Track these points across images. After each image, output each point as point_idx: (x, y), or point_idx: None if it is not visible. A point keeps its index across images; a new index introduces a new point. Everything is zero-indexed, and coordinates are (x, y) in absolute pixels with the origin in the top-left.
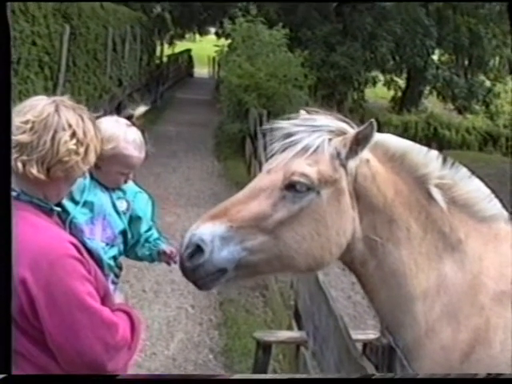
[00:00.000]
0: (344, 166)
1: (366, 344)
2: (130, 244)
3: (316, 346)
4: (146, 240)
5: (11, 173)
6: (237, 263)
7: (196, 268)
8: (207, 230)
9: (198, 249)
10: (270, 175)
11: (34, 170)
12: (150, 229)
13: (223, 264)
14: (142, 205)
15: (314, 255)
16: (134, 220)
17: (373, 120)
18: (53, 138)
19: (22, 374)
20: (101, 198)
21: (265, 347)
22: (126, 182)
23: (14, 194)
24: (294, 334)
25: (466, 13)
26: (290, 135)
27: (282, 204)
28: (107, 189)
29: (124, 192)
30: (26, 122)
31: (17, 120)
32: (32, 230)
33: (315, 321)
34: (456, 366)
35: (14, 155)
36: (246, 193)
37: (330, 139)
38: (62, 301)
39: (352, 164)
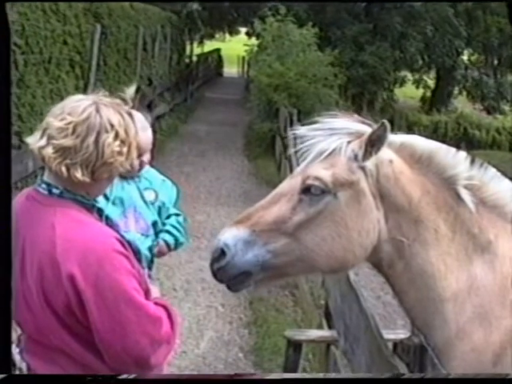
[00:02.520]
0: (362, 167)
1: (396, 343)
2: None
3: (347, 345)
4: (161, 230)
5: (10, 170)
6: (261, 265)
7: (219, 270)
8: (231, 235)
9: (222, 253)
10: (291, 180)
11: (79, 174)
12: (168, 217)
13: (247, 267)
14: (168, 193)
15: (335, 256)
16: (163, 209)
17: (385, 121)
18: (96, 140)
19: (22, 374)
20: (129, 191)
21: (295, 346)
22: (141, 166)
23: (56, 191)
24: (325, 332)
25: (496, 13)
26: (309, 140)
27: (300, 207)
28: (133, 180)
29: (150, 182)
30: (68, 125)
31: (57, 123)
32: (78, 227)
33: (346, 320)
34: (488, 367)
35: (57, 159)
36: (268, 199)
37: (348, 142)
38: (110, 296)
39: (370, 166)
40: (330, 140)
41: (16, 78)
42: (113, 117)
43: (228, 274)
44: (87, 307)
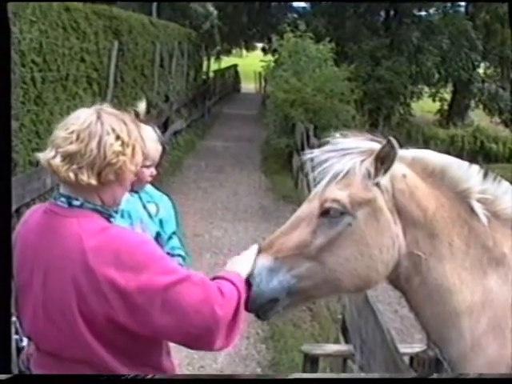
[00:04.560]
0: (377, 184)
1: (412, 357)
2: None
3: (363, 359)
4: (168, 253)
5: (11, 176)
6: (287, 291)
7: (246, 300)
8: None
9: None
10: (309, 204)
11: (85, 177)
12: (170, 238)
13: (274, 294)
14: (167, 207)
15: (359, 275)
16: (164, 222)
17: (391, 137)
18: (99, 143)
19: (22, 374)
20: (134, 204)
21: (312, 360)
22: (150, 177)
23: (77, 203)
24: (342, 347)
25: None
26: (323, 162)
27: (320, 231)
28: (137, 193)
29: (151, 196)
30: (72, 133)
31: (62, 133)
32: (103, 232)
33: (362, 334)
34: None
35: (64, 167)
36: (288, 224)
37: (362, 161)
38: (155, 283)
39: (384, 182)
40: (343, 161)
41: (34, 96)
42: (114, 123)
43: (256, 303)
44: (134, 303)
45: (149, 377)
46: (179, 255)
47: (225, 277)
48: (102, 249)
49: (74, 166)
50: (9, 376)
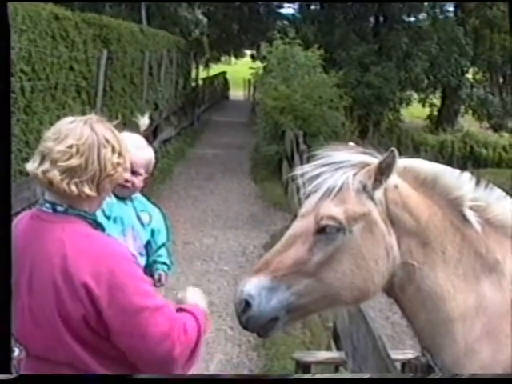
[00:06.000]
0: (371, 197)
1: (404, 363)
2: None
3: (355, 365)
4: (154, 261)
5: (10, 178)
6: (287, 308)
7: (247, 321)
8: (253, 285)
9: (247, 304)
10: (303, 221)
11: (87, 189)
12: (159, 248)
13: (274, 313)
14: (159, 218)
15: (358, 288)
16: (155, 232)
17: (393, 148)
18: (98, 156)
19: (22, 374)
20: (127, 211)
21: (304, 367)
22: (133, 185)
23: (61, 209)
24: (333, 354)
25: (503, 31)
26: (314, 178)
27: (317, 247)
28: (130, 201)
29: (144, 205)
30: (70, 147)
31: (59, 147)
32: (86, 238)
33: (354, 341)
34: None
35: (65, 180)
36: (283, 242)
37: (354, 174)
38: (125, 302)
39: (378, 194)
40: (335, 176)
41: (23, 105)
42: (105, 132)
43: (257, 323)
44: (103, 314)
45: (142, 377)
46: (164, 263)
47: (190, 311)
48: (82, 255)
49: (76, 179)
50: (8, 376)
